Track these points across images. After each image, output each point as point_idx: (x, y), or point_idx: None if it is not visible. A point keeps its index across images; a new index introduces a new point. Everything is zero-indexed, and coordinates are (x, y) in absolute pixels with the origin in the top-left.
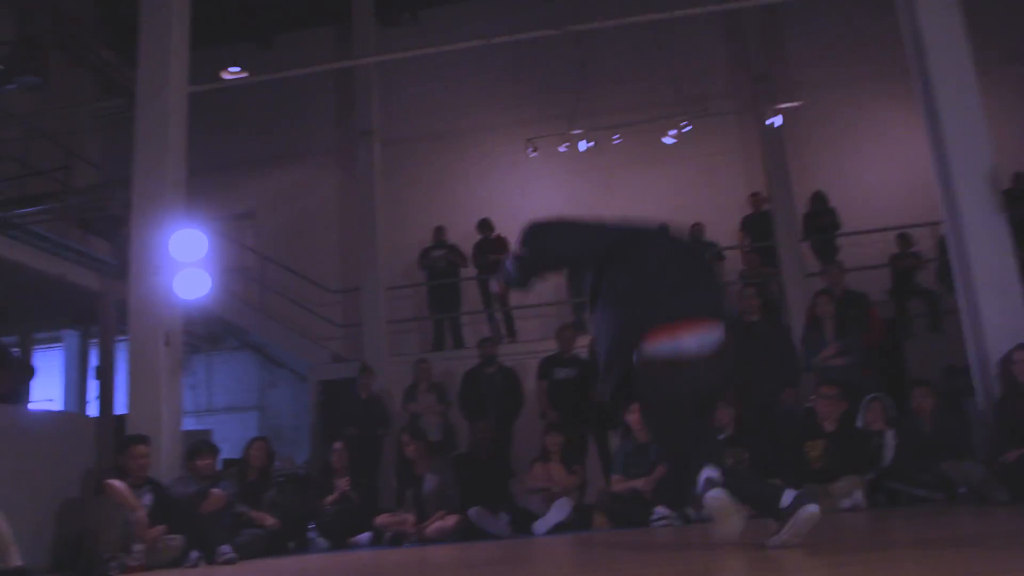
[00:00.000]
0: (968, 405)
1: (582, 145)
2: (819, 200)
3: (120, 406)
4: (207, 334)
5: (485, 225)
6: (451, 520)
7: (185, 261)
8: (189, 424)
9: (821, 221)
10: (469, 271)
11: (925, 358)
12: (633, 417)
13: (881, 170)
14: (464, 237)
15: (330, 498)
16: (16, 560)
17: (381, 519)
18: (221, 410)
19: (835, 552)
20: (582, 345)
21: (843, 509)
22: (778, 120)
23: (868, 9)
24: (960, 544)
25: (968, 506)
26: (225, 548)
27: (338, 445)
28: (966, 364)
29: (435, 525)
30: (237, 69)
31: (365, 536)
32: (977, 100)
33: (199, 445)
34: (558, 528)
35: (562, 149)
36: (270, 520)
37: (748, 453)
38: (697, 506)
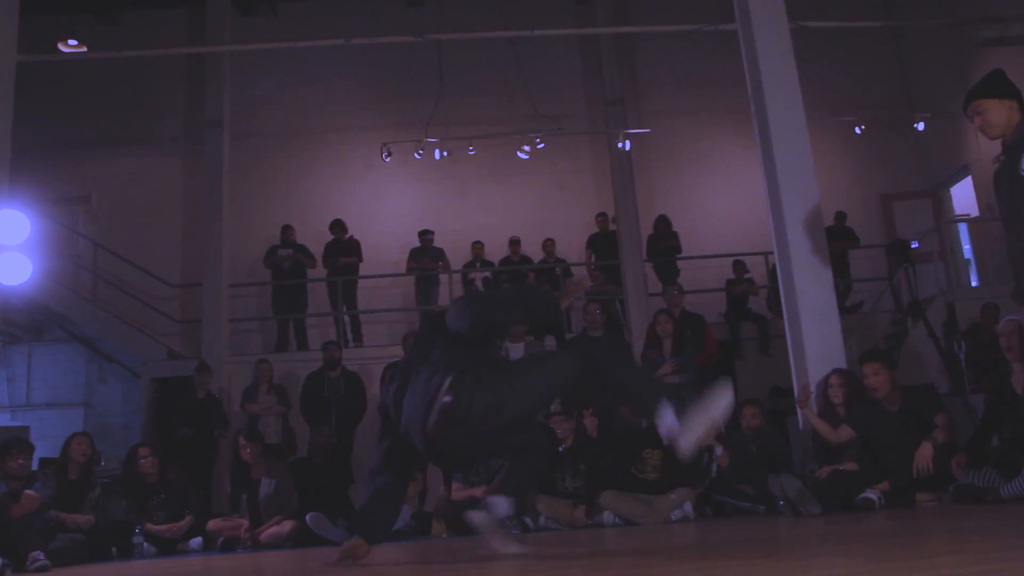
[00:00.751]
0: (791, 424)
1: (436, 154)
2: (663, 223)
3: None
4: (29, 323)
5: (338, 226)
6: (287, 526)
7: (6, 243)
8: (3, 420)
9: (664, 244)
10: (317, 272)
11: (755, 378)
12: None
13: (721, 199)
14: (314, 237)
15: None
16: None
17: (213, 523)
18: (42, 405)
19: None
20: None
21: (674, 520)
22: (627, 144)
23: (715, 48)
24: (772, 550)
25: (785, 517)
26: (37, 554)
27: (144, 451)
28: (790, 385)
29: (270, 530)
30: (75, 43)
31: (196, 541)
32: (807, 142)
33: (10, 443)
34: (396, 535)
35: (417, 156)
36: (83, 518)
37: (584, 465)
38: (534, 515)
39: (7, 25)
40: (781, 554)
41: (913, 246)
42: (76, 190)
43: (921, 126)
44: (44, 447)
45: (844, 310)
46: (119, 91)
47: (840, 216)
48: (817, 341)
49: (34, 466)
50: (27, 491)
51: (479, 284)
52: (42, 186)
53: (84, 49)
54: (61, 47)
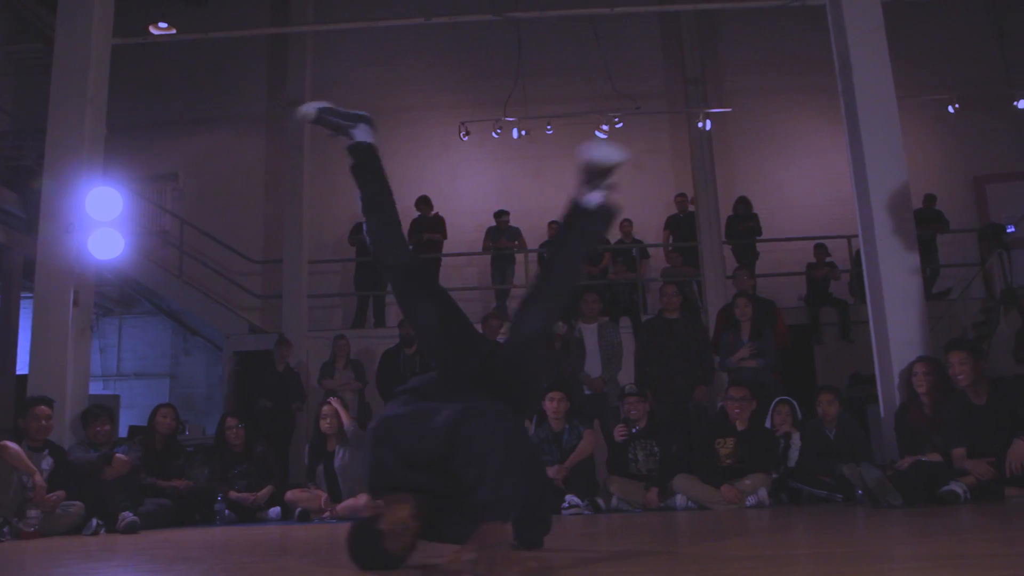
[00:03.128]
0: (871, 412)
1: (514, 133)
2: (743, 205)
3: (22, 366)
4: (120, 296)
5: (424, 202)
6: (363, 498)
7: (99, 219)
8: (96, 389)
9: (744, 226)
10: None
11: (833, 364)
12: (551, 405)
13: (803, 181)
14: None
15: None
16: None
17: (291, 494)
18: (131, 375)
19: (739, 548)
20: (505, 333)
21: (749, 506)
22: (708, 124)
23: (801, 24)
24: (853, 542)
25: (863, 507)
26: (126, 514)
27: (232, 421)
28: (871, 372)
29: (347, 503)
30: (165, 25)
31: (274, 511)
32: (896, 122)
33: (93, 410)
34: None
35: (495, 135)
36: (179, 482)
37: (659, 447)
38: (606, 496)
39: (103, 11)
40: (858, 544)
41: (1009, 231)
42: (164, 168)
43: (1021, 104)
44: (133, 415)
45: (931, 297)
46: (205, 71)
47: (929, 199)
48: (902, 328)
49: (122, 433)
50: (118, 454)
51: None
52: (133, 164)
53: (173, 31)
54: (152, 30)
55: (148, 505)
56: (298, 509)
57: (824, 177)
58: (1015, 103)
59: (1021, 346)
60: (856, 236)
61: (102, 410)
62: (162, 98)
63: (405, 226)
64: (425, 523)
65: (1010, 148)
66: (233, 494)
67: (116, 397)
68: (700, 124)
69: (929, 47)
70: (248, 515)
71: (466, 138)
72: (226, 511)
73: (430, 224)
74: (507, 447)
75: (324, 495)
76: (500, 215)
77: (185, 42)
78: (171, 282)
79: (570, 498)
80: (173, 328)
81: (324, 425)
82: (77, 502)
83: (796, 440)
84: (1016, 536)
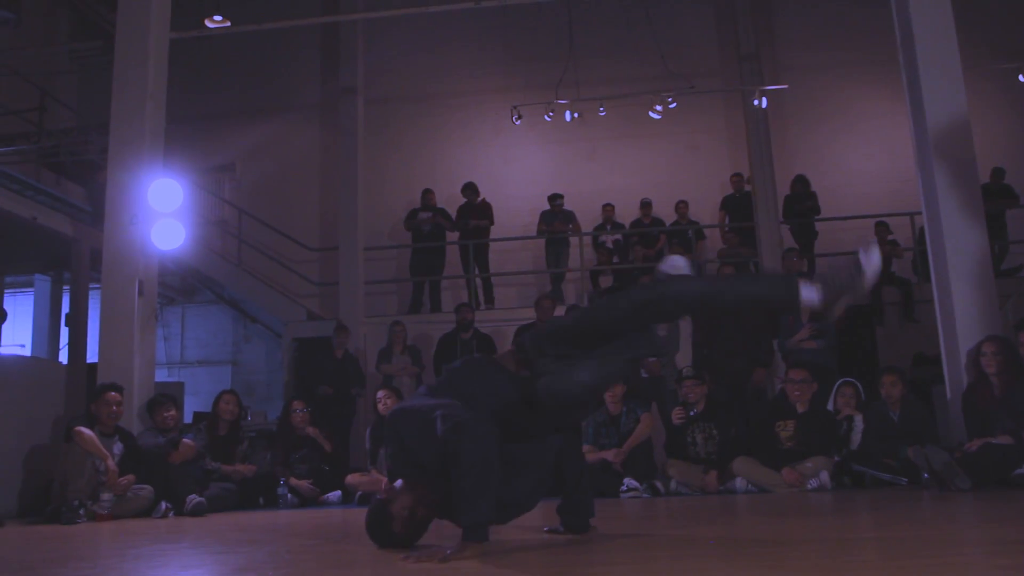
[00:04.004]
0: (936, 393)
1: (567, 115)
2: (801, 183)
3: (91, 354)
4: (182, 286)
5: (470, 189)
6: None
7: (161, 211)
8: (161, 376)
9: (802, 205)
10: (453, 235)
11: (897, 345)
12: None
13: (863, 157)
14: (446, 200)
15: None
16: None
17: (351, 478)
18: (194, 363)
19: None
20: (558, 315)
21: (810, 489)
22: (764, 101)
23: None
24: (919, 526)
25: (930, 491)
26: (193, 497)
27: (298, 405)
28: (936, 353)
29: None
30: (220, 18)
31: (335, 494)
32: (962, 94)
33: (159, 398)
34: None
35: (547, 118)
36: (245, 467)
37: (717, 430)
38: (665, 480)
39: (161, 7)
40: (924, 527)
41: None
42: (221, 159)
43: None
44: (197, 402)
45: (999, 274)
46: (260, 62)
47: (998, 173)
48: (969, 307)
49: (187, 419)
50: (185, 439)
51: (609, 246)
52: (191, 156)
53: (228, 24)
54: (207, 23)
55: (213, 489)
56: (359, 493)
57: (885, 153)
58: None
59: None
60: (919, 213)
61: (166, 397)
62: (219, 90)
63: (451, 212)
64: (437, 506)
65: None
66: (294, 481)
67: (180, 384)
68: (755, 102)
69: (996, 13)
70: (310, 499)
71: (518, 122)
72: (288, 495)
73: (477, 210)
74: (484, 470)
75: (384, 479)
76: (554, 198)
77: (240, 34)
78: (231, 271)
79: (628, 481)
80: (234, 316)
81: (381, 408)
82: (147, 486)
83: (859, 423)
84: None
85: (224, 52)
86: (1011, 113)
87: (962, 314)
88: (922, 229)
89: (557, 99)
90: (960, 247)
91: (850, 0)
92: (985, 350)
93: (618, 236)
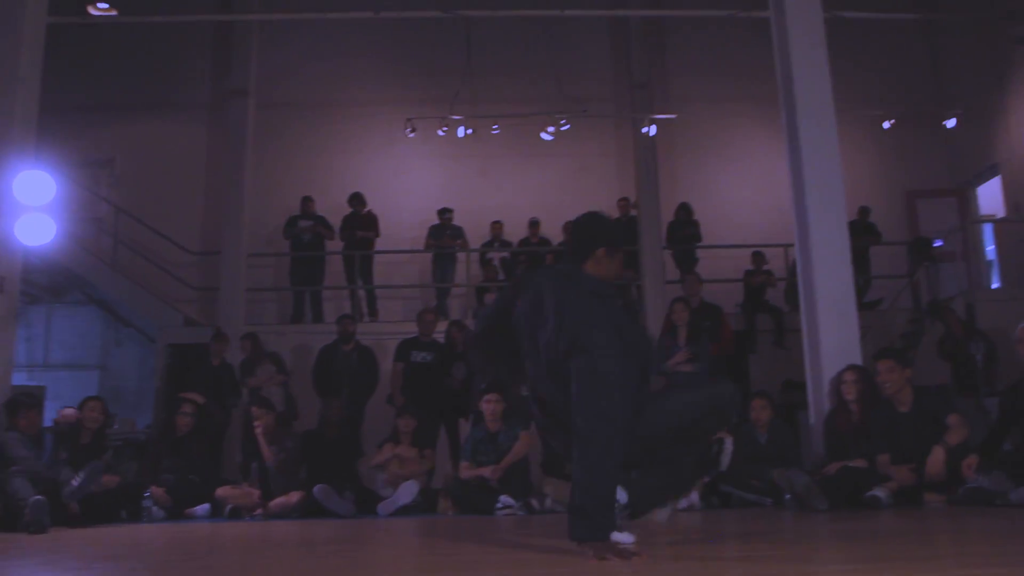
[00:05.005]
0: (801, 417)
1: (460, 131)
2: (684, 211)
3: None
4: (49, 284)
5: (357, 199)
6: (295, 496)
7: (29, 204)
8: (19, 379)
9: (684, 232)
10: (334, 244)
11: (767, 371)
12: (487, 406)
13: (744, 189)
14: (333, 209)
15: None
16: None
17: (222, 491)
18: (59, 366)
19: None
20: (440, 330)
21: (681, 509)
22: (653, 129)
23: (745, 35)
24: (779, 545)
25: (791, 511)
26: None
27: (188, 408)
28: (803, 379)
29: (278, 501)
30: (105, 5)
31: (203, 508)
32: (834, 134)
33: (19, 399)
34: (403, 510)
35: (441, 132)
36: (108, 478)
37: None
38: (540, 498)
39: None
40: (784, 547)
41: (936, 244)
42: (100, 153)
43: (952, 123)
44: (59, 407)
45: (863, 306)
46: (147, 55)
47: (863, 211)
48: (834, 336)
49: (47, 422)
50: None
51: (496, 263)
52: (67, 148)
53: (115, 13)
54: (91, 10)
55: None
56: (228, 506)
57: (765, 185)
58: (944, 122)
59: (941, 348)
60: (793, 245)
61: (29, 399)
62: (102, 82)
63: (336, 222)
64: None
65: (940, 165)
66: (155, 490)
67: (42, 388)
68: (645, 129)
69: (867, 65)
70: (177, 513)
71: (412, 135)
72: (153, 508)
73: (362, 221)
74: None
75: (257, 492)
76: (443, 212)
77: (127, 25)
78: (104, 271)
79: (504, 499)
80: (104, 319)
81: (257, 427)
82: None
83: (729, 445)
84: (933, 538)
85: (110, 43)
86: (876, 157)
87: (827, 343)
88: (795, 260)
89: (452, 114)
90: (827, 279)
91: (739, 38)
92: (846, 378)
93: (505, 254)
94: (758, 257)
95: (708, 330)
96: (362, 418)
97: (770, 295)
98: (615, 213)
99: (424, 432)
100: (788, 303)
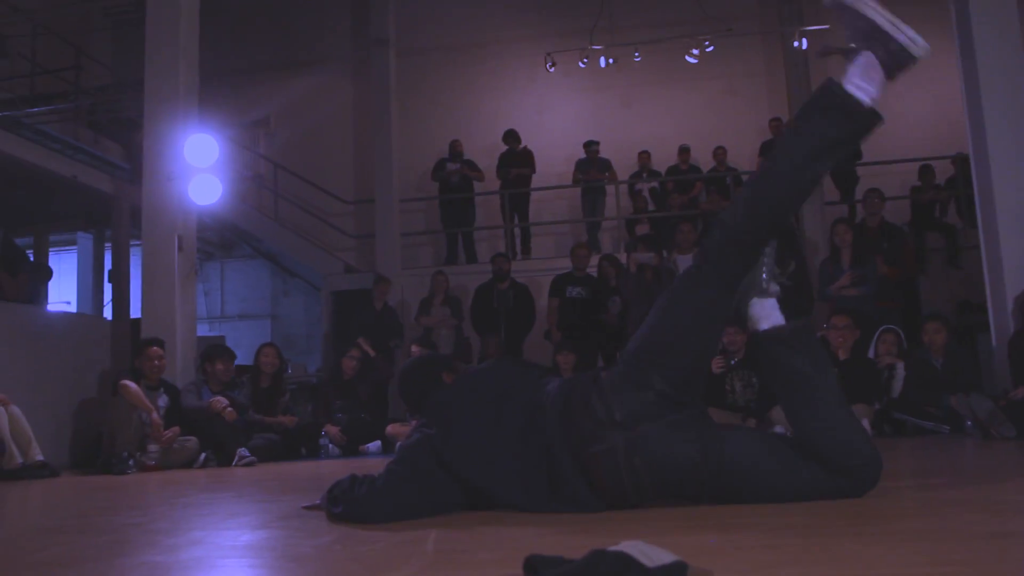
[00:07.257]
0: (982, 341)
1: (602, 61)
2: None
3: (134, 310)
4: (220, 241)
5: (512, 136)
6: None
7: (198, 166)
8: (202, 330)
9: None
10: (488, 184)
11: (940, 293)
12: None
13: (907, 99)
14: (480, 151)
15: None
16: (37, 456)
17: (391, 428)
18: (234, 317)
19: None
20: (593, 264)
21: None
22: (804, 43)
23: None
24: (960, 474)
25: (974, 439)
26: (243, 451)
27: (355, 352)
28: (981, 301)
29: None
30: None
31: (375, 444)
32: (1016, 33)
33: (215, 349)
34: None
35: (582, 65)
36: (286, 418)
37: (756, 378)
38: None
39: None
40: (965, 477)
41: None
42: (256, 113)
43: None
44: (238, 355)
45: None
46: (291, 16)
47: None
48: (1017, 251)
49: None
50: (228, 409)
51: (645, 194)
52: (225, 110)
53: None
54: None
55: (257, 440)
56: (398, 444)
57: (929, 96)
58: None
59: None
60: (965, 156)
61: (223, 349)
62: (251, 44)
63: (493, 160)
64: None
65: None
66: (330, 429)
67: (222, 338)
68: (795, 43)
69: None
70: (351, 449)
71: (552, 69)
72: (330, 446)
73: (519, 158)
74: None
75: None
76: (589, 145)
77: None
78: (268, 225)
79: None
80: (272, 270)
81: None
82: (192, 437)
83: (901, 370)
84: None
85: (257, 5)
86: None
87: (1009, 259)
88: (968, 173)
89: (591, 45)
90: (1007, 191)
91: None
92: None
93: (655, 183)
94: (927, 171)
95: (887, 252)
96: (521, 355)
97: (940, 211)
98: (768, 134)
99: (583, 367)
100: (962, 218)
